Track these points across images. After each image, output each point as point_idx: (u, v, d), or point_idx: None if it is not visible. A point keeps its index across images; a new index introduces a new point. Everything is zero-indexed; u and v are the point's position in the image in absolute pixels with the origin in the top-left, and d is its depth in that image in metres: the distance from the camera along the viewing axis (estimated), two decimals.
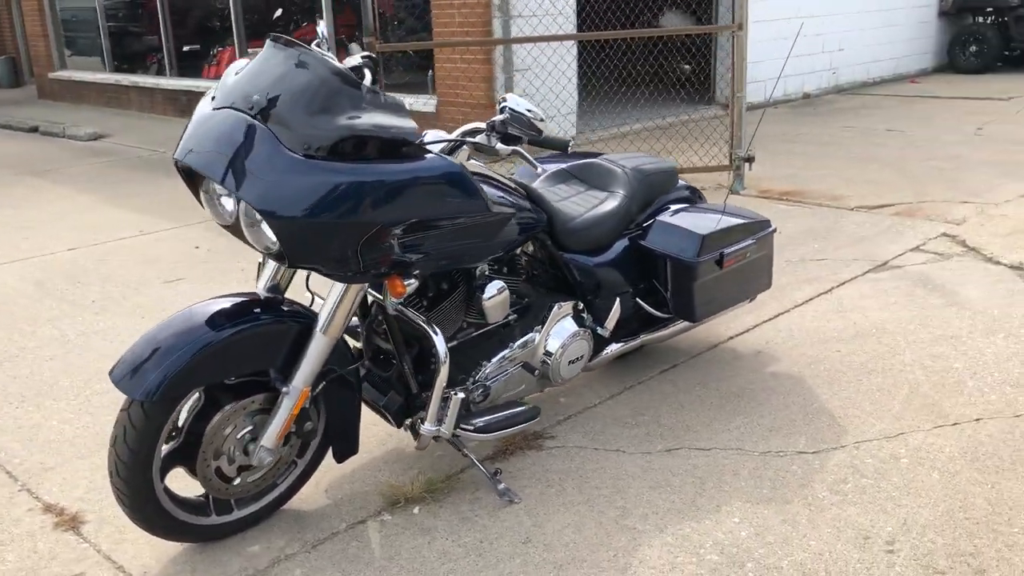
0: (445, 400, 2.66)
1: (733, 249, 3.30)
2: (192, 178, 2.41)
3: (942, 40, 13.58)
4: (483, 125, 2.44)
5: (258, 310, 2.45)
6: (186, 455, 2.49)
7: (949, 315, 4.10)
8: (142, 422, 2.32)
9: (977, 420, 3.15)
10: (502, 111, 2.42)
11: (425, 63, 8.49)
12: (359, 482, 2.93)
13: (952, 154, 7.52)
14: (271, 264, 2.63)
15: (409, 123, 2.28)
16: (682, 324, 3.51)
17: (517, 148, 2.42)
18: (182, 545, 2.62)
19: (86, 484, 2.97)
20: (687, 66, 11.32)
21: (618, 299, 3.19)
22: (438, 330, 2.55)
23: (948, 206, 5.92)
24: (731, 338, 3.96)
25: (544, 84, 7.72)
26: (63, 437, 3.29)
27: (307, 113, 2.16)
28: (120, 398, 2.53)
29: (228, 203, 2.32)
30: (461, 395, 2.59)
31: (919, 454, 2.95)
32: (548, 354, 2.99)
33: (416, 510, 2.77)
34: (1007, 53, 13.00)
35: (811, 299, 4.39)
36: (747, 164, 6.41)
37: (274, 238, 2.21)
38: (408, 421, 2.78)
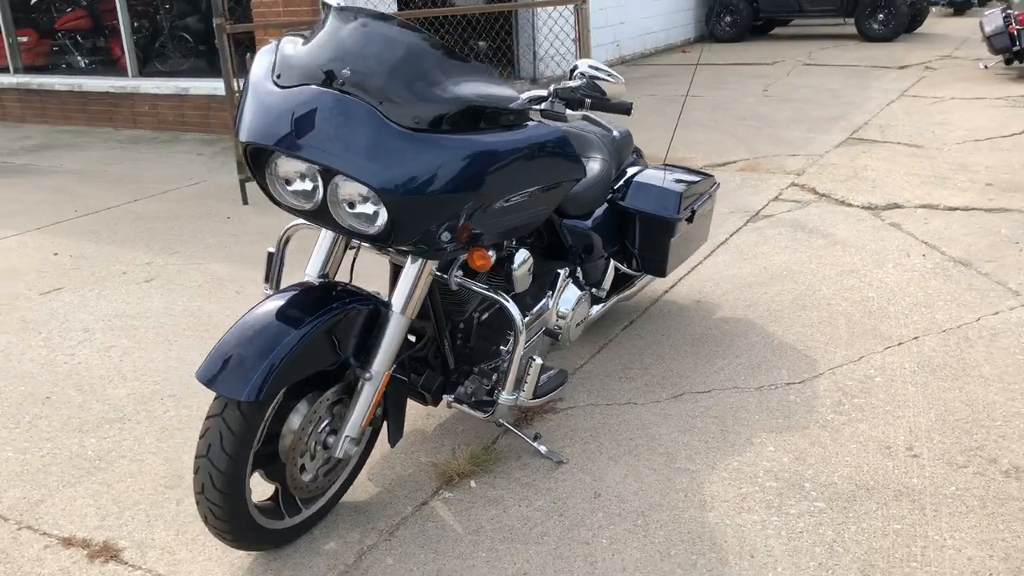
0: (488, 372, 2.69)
1: (700, 204, 3.53)
2: (258, 163, 2.26)
3: (700, 12, 14.72)
4: (545, 92, 2.47)
5: (328, 298, 2.36)
6: (262, 458, 2.35)
7: (837, 253, 4.58)
8: (241, 425, 2.17)
9: (915, 339, 3.58)
10: (572, 76, 2.46)
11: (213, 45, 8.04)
12: (399, 466, 2.87)
13: (758, 114, 8.26)
14: (322, 249, 2.52)
15: (508, 89, 2.27)
16: (646, 280, 3.70)
17: (586, 112, 2.47)
18: (250, 556, 2.48)
19: (95, 511, 2.70)
20: (482, 43, 11.55)
21: (611, 261, 3.32)
22: (508, 298, 2.56)
23: (781, 160, 6.53)
24: (665, 292, 4.21)
25: None
26: (31, 467, 2.96)
27: (407, 84, 2.10)
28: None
29: (312, 185, 2.21)
30: (539, 360, 2.61)
31: (887, 372, 3.33)
32: (561, 318, 3.07)
33: (472, 484, 2.77)
34: (756, 23, 14.32)
35: (715, 250, 4.73)
36: None
37: (382, 218, 2.14)
38: (450, 397, 2.77)
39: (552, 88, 2.46)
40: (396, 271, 2.72)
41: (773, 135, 7.34)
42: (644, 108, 8.81)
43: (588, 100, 2.45)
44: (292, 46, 2.29)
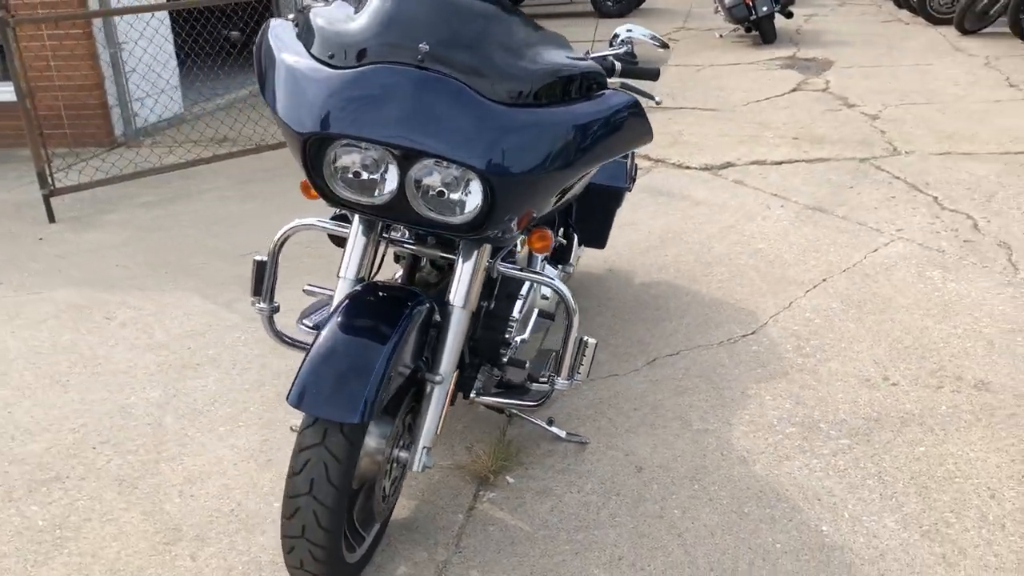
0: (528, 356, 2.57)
1: (634, 170, 3.57)
2: (316, 154, 1.99)
3: None
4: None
5: (393, 302, 2.13)
6: None
7: (706, 212, 4.82)
8: (346, 452, 1.92)
9: (825, 280, 3.87)
10: (614, 43, 2.37)
11: None
12: (423, 475, 2.67)
13: None
14: (357, 249, 2.27)
15: (586, 58, 2.16)
16: (581, 254, 3.69)
17: (623, 79, 2.40)
18: None
19: None
20: (235, 33, 10.89)
21: (575, 236, 3.28)
22: (559, 280, 2.45)
23: None
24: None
25: (142, 60, 6.96)
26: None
27: (494, 56, 1.94)
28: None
29: (391, 174, 1.98)
30: (594, 340, 2.52)
31: (820, 313, 3.57)
32: (545, 298, 2.99)
33: (510, 479, 2.64)
34: None
35: None
36: None
37: (473, 204, 1.96)
38: (473, 395, 2.62)
39: (586, 53, 2.37)
40: (414, 264, 2.51)
41: None
42: None
43: (618, 65, 2.39)
44: (329, 20, 2.03)
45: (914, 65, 8.42)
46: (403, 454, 2.22)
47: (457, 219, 2.01)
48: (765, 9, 9.71)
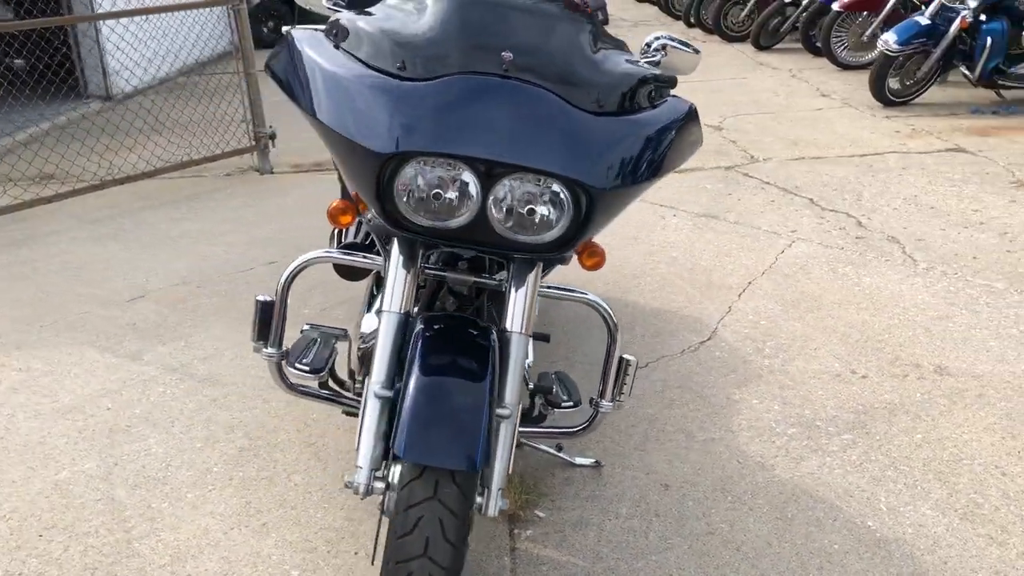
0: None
1: None
2: (389, 176, 1.78)
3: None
4: None
5: (466, 334, 1.95)
6: None
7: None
8: (461, 504, 1.72)
9: (751, 283, 3.98)
10: (647, 50, 2.28)
11: None
12: None
13: None
14: (399, 281, 2.04)
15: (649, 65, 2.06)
16: None
17: None
18: None
19: None
20: (19, 61, 9.92)
21: None
22: (599, 298, 2.33)
23: None
24: None
25: None
26: None
27: (578, 63, 1.83)
28: None
29: (472, 193, 1.80)
30: (635, 359, 2.40)
31: (763, 315, 3.66)
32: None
33: (540, 514, 2.49)
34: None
35: None
36: (271, 141, 6.20)
37: (565, 220, 1.82)
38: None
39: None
40: (435, 293, 2.30)
41: None
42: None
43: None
44: (387, 28, 1.84)
45: (732, 79, 8.94)
46: (479, 499, 2.03)
47: (548, 237, 1.85)
48: None
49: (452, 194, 1.80)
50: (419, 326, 1.93)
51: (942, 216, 4.73)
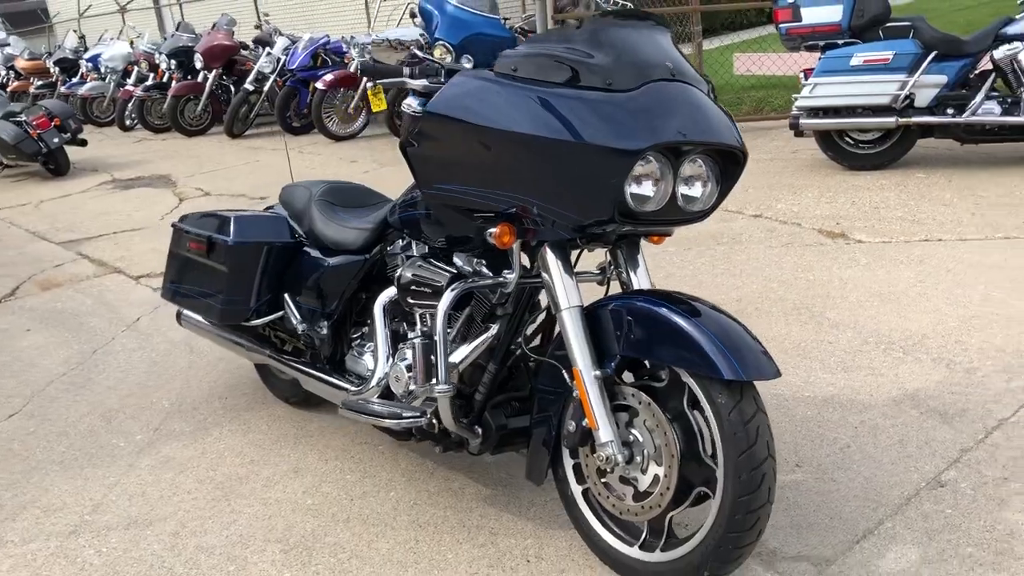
0: None
1: None
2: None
3: None
4: None
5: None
6: None
7: None
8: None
9: None
10: None
11: None
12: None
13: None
14: (566, 278, 2.23)
15: None
16: None
17: None
18: None
19: None
20: None
21: None
22: None
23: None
24: None
25: None
26: None
27: (689, 66, 2.15)
28: None
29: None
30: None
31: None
32: None
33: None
34: None
35: None
36: None
37: (713, 191, 2.16)
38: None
39: None
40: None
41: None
42: None
43: None
44: (578, 59, 2.03)
45: (244, 163, 9.01)
46: None
47: (710, 206, 2.17)
48: (56, 141, 9.09)
49: (657, 179, 2.06)
50: (625, 302, 2.15)
51: None
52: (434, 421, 2.47)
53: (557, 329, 2.25)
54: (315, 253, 3.00)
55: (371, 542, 2.53)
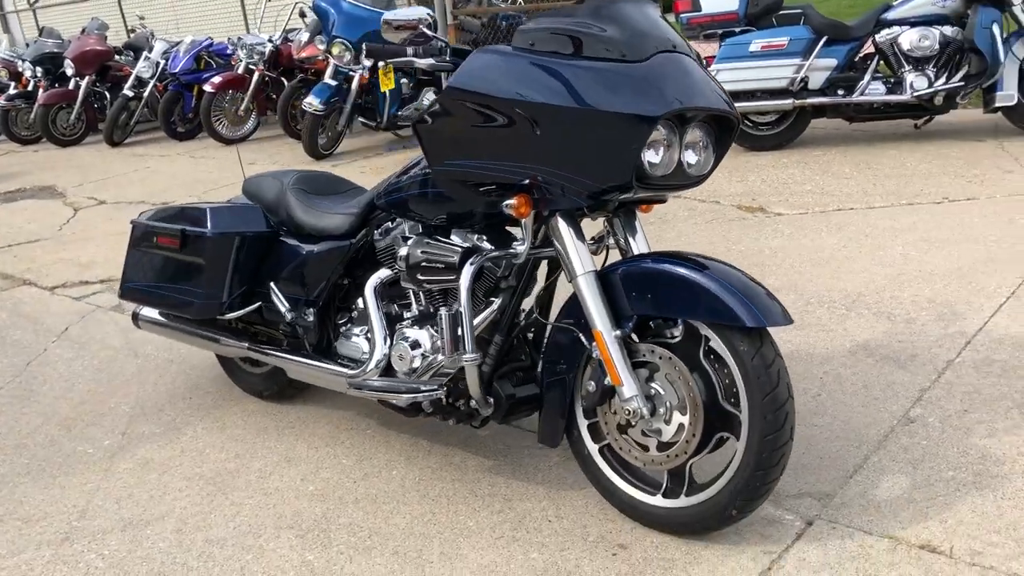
0: None
1: None
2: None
3: None
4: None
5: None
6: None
7: None
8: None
9: None
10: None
11: None
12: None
13: None
14: (580, 245, 2.33)
15: None
16: None
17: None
18: None
19: None
20: None
21: None
22: None
23: None
24: None
25: None
26: None
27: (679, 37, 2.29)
28: None
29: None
30: None
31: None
32: None
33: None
34: None
35: None
36: None
37: (711, 156, 2.30)
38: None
39: None
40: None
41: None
42: None
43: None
44: (593, 35, 2.13)
45: (133, 171, 8.68)
46: None
47: (705, 170, 2.31)
48: None
49: (667, 145, 2.19)
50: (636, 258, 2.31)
51: None
52: (441, 396, 2.54)
53: (562, 298, 2.34)
54: (293, 242, 2.98)
55: (387, 518, 2.55)
